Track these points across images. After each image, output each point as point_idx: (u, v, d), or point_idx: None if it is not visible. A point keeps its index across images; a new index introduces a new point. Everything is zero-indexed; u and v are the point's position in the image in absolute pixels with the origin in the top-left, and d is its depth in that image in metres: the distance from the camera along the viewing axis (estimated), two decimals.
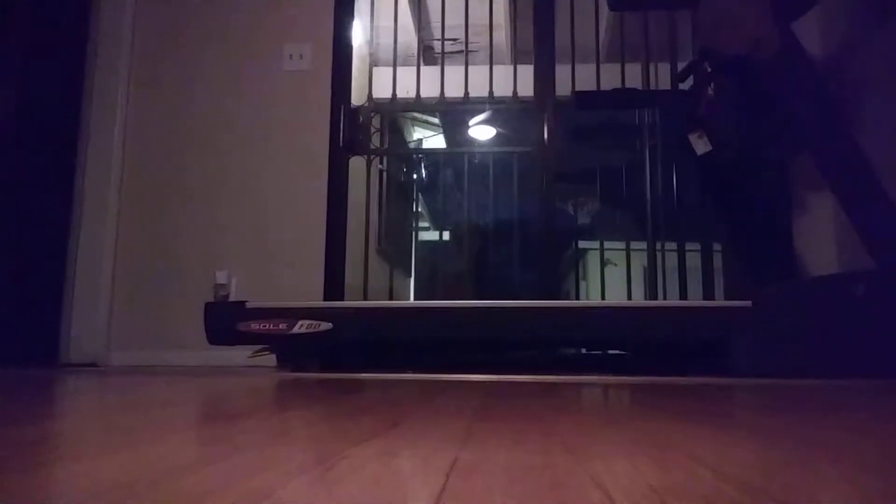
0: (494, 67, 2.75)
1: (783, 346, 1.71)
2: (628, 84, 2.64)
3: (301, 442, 0.49)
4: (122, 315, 2.58)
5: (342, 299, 2.56)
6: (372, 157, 2.88)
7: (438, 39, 3.16)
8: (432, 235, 4.86)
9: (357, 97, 2.81)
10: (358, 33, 2.97)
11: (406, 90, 2.82)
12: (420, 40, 3.22)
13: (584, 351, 2.26)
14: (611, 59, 2.83)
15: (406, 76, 2.82)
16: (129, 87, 2.72)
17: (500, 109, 2.93)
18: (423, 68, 2.85)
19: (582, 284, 3.80)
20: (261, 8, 2.75)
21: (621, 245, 2.85)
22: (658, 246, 2.76)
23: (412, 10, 3.23)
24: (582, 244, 3.24)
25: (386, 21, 2.97)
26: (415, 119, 4.22)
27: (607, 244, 2.91)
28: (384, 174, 3.21)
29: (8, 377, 1.47)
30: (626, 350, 2.20)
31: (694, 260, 2.58)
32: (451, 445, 0.48)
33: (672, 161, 2.71)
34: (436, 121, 4.24)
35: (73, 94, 2.68)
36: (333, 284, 2.57)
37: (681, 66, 2.44)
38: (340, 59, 2.72)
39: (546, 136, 2.67)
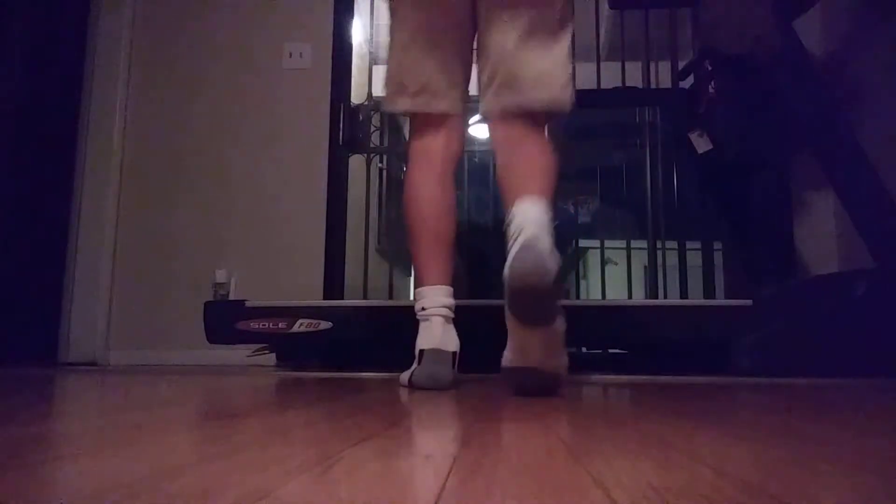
0: None
1: (783, 345, 1.70)
2: (629, 83, 2.64)
3: (301, 441, 0.49)
4: (122, 314, 2.58)
5: (342, 298, 2.56)
6: (372, 155, 2.87)
7: None
8: None
9: (357, 95, 2.81)
10: (358, 31, 2.97)
11: None
12: None
13: (584, 350, 2.26)
14: (611, 58, 2.83)
15: None
16: (128, 86, 2.72)
17: None
18: None
19: (582, 283, 3.80)
20: (261, 6, 2.75)
21: (622, 244, 2.85)
22: (658, 244, 2.76)
23: None
24: (582, 243, 3.24)
25: (386, 19, 2.96)
26: None
27: (608, 243, 2.91)
28: (384, 172, 3.21)
29: (7, 376, 1.47)
30: (626, 349, 2.20)
31: (694, 259, 2.58)
32: (451, 445, 0.48)
33: (672, 160, 2.71)
34: None
35: (72, 93, 2.68)
36: (333, 283, 2.57)
37: (681, 64, 2.44)
38: (340, 58, 2.72)
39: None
